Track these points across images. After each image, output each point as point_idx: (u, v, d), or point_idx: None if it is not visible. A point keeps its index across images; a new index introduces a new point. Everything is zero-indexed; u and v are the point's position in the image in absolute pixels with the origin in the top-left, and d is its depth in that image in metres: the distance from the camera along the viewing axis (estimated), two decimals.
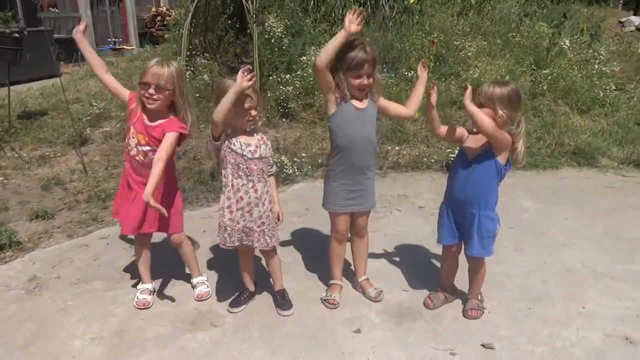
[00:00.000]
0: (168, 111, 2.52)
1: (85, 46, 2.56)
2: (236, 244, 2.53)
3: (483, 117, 2.30)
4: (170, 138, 2.45)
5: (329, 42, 2.41)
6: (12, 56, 5.48)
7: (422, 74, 2.62)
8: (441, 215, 2.66)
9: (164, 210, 2.32)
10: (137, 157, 2.53)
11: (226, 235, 2.51)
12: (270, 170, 2.57)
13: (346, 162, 2.57)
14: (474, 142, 2.48)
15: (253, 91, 2.39)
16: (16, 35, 5.44)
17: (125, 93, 2.59)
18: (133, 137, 2.53)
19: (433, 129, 2.59)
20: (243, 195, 2.45)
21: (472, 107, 2.31)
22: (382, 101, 2.62)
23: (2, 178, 4.51)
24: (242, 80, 2.25)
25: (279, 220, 2.60)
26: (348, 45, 2.43)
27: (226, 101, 2.26)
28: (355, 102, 2.51)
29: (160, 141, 2.47)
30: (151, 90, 2.42)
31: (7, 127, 5.52)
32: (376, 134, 2.63)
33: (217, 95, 2.39)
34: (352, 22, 2.33)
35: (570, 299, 2.82)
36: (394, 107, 2.67)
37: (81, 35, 2.55)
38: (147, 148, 2.51)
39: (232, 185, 2.44)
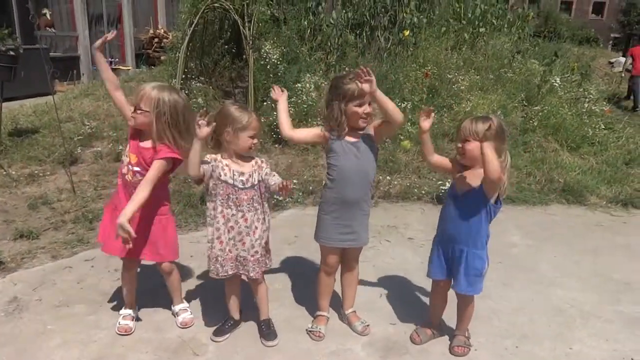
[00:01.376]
0: (157, 138, 2.48)
1: (102, 61, 2.59)
2: (230, 273, 2.49)
3: (496, 164, 2.25)
4: (157, 165, 2.41)
5: (278, 115, 2.56)
6: (6, 74, 5.48)
7: (376, 92, 2.40)
8: (432, 251, 2.65)
9: (133, 234, 2.28)
10: (127, 176, 2.52)
11: (218, 266, 2.47)
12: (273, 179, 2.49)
13: (340, 196, 2.55)
14: (464, 179, 2.47)
15: (257, 120, 2.42)
16: (11, 53, 5.45)
17: (130, 113, 2.57)
18: (126, 156, 2.54)
19: (424, 155, 2.58)
20: (233, 225, 2.44)
21: (490, 153, 2.24)
22: (377, 122, 2.59)
23: None
24: (199, 131, 2.28)
25: (286, 188, 2.37)
26: (342, 78, 2.48)
27: (192, 156, 2.30)
28: (348, 137, 2.51)
29: (147, 163, 2.46)
30: (134, 108, 2.45)
31: None
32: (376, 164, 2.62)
33: (220, 119, 2.39)
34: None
35: (558, 339, 2.80)
36: (382, 121, 2.59)
37: (99, 50, 2.58)
38: (137, 169, 2.50)
39: (223, 216, 2.43)
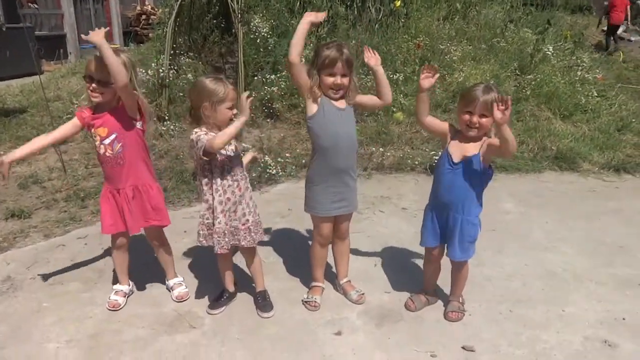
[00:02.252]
0: (116, 102, 2.46)
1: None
2: (224, 246, 2.48)
3: (514, 143, 2.28)
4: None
5: (295, 34, 2.42)
6: None
7: (377, 67, 2.49)
8: (425, 217, 2.64)
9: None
10: (107, 154, 2.48)
11: (220, 240, 2.46)
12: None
13: (331, 164, 2.53)
14: (461, 148, 2.44)
15: (233, 89, 2.38)
16: None
17: (74, 121, 2.50)
18: (96, 137, 2.48)
19: (418, 114, 2.52)
20: (230, 196, 2.43)
21: (510, 135, 2.24)
22: (360, 96, 2.60)
23: None
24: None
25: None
26: (324, 45, 2.47)
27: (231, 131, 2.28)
28: (335, 103, 2.50)
29: (118, 121, 2.43)
30: (94, 85, 2.37)
31: None
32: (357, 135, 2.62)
33: (196, 94, 2.37)
34: (317, 15, 2.40)
35: (551, 302, 2.83)
36: (369, 98, 2.65)
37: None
38: (112, 137, 2.45)
39: (220, 188, 2.42)
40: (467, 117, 2.36)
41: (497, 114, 2.19)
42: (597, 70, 7.19)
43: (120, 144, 2.47)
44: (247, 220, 2.49)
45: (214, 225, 2.45)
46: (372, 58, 2.51)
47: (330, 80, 2.43)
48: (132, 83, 2.40)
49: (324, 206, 2.60)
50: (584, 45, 8.09)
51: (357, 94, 2.57)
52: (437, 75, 2.43)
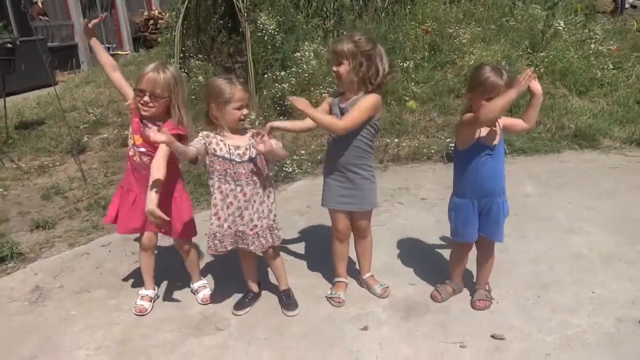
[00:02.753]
0: (164, 114, 2.48)
1: (96, 45, 2.56)
2: (229, 249, 2.48)
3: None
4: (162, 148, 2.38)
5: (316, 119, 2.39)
6: (6, 67, 5.46)
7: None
8: (463, 211, 2.51)
9: (166, 217, 2.31)
10: (134, 158, 2.53)
11: (216, 242, 2.46)
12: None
13: (332, 158, 2.56)
14: (492, 132, 2.39)
15: (242, 90, 2.33)
16: (9, 45, 5.41)
17: (130, 93, 2.53)
18: (130, 138, 2.52)
19: (528, 121, 2.42)
20: (232, 201, 2.41)
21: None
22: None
23: (1, 189, 4.48)
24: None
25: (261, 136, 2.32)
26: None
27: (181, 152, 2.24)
28: (340, 102, 2.50)
29: (153, 145, 2.43)
30: (146, 98, 2.38)
31: (4, 138, 5.50)
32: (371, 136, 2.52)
33: (205, 95, 2.36)
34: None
35: (580, 285, 2.78)
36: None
37: (90, 35, 2.53)
38: (142, 149, 2.48)
39: (221, 192, 2.40)
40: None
41: (537, 87, 2.24)
42: (611, 42, 7.00)
43: (147, 158, 2.47)
44: (255, 226, 2.45)
45: (211, 225, 2.46)
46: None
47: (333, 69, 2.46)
48: (177, 100, 2.44)
49: (333, 199, 2.61)
50: (595, 17, 7.89)
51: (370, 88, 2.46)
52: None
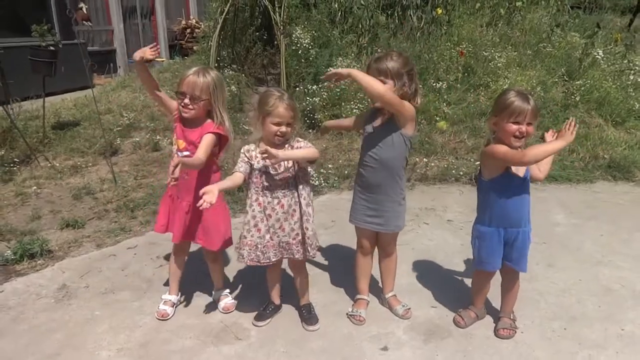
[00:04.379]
0: (205, 117, 2.54)
1: (142, 70, 2.52)
2: (273, 260, 2.48)
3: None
4: (207, 139, 2.45)
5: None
6: (48, 69, 5.64)
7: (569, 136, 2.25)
8: (489, 239, 2.47)
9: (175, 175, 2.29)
10: None
11: (259, 254, 2.46)
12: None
13: (362, 179, 2.56)
14: None
15: (286, 107, 2.33)
16: (52, 48, 5.59)
17: (174, 104, 2.60)
18: (174, 144, 2.57)
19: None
20: (271, 213, 2.43)
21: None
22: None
23: (35, 187, 4.61)
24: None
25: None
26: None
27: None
28: (373, 121, 2.50)
29: (195, 145, 2.48)
30: (186, 100, 2.44)
31: (41, 137, 5.66)
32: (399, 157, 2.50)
33: (260, 106, 2.37)
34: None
35: (609, 320, 2.70)
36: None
37: (141, 61, 2.50)
38: (186, 153, 2.51)
39: (259, 204, 2.42)
40: (514, 127, 2.28)
41: (569, 137, 2.23)
42: None
43: None
44: (298, 234, 2.47)
45: (245, 238, 2.47)
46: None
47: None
48: (217, 103, 2.50)
49: (359, 218, 2.62)
50: (636, 48, 7.75)
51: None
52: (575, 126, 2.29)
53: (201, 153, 2.41)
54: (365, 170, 2.53)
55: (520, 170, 2.37)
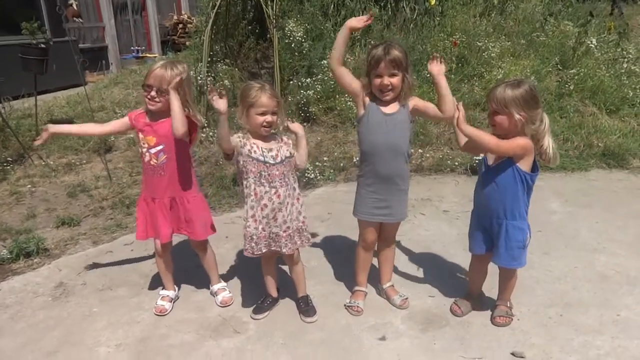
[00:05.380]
0: (169, 112, 2.51)
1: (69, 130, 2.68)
2: (264, 251, 2.49)
3: (482, 137, 2.27)
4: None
5: (335, 39, 2.41)
6: (39, 66, 5.59)
7: (439, 77, 2.36)
8: (471, 223, 2.59)
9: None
10: (152, 162, 2.56)
11: (253, 245, 2.47)
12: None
13: (373, 170, 2.51)
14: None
15: (269, 97, 2.35)
16: (42, 45, 5.54)
17: (124, 120, 2.61)
18: (144, 144, 2.55)
19: (459, 142, 2.52)
20: (267, 203, 2.42)
21: (468, 129, 2.27)
22: (420, 102, 2.47)
23: (30, 186, 4.59)
24: (216, 104, 2.25)
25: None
26: (373, 46, 2.43)
27: (220, 129, 2.29)
28: (383, 108, 2.44)
29: (169, 137, 2.49)
30: (153, 93, 2.45)
31: (34, 136, 5.61)
32: (409, 141, 2.52)
33: (242, 98, 2.39)
34: (358, 20, 2.35)
35: (604, 306, 2.72)
36: (428, 107, 2.47)
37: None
38: (159, 148, 2.52)
39: (255, 194, 2.42)
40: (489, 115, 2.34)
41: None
42: None
43: (165, 156, 2.54)
44: (289, 227, 2.48)
45: (245, 227, 2.47)
46: (436, 66, 2.38)
47: (377, 81, 2.38)
48: (184, 96, 2.49)
49: (367, 211, 2.58)
50: (629, 36, 7.76)
51: (410, 96, 2.46)
52: (462, 111, 2.35)
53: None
54: (379, 161, 2.48)
55: (489, 157, 2.41)
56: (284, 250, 2.51)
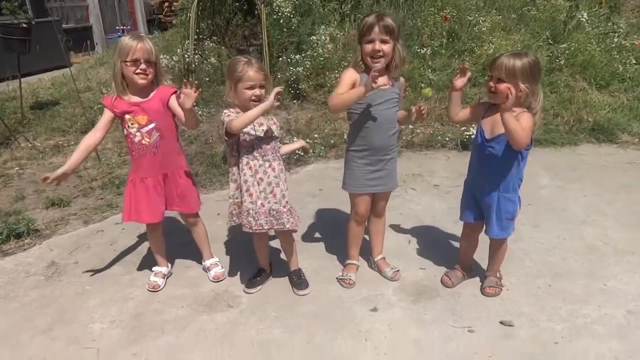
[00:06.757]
0: (151, 84, 2.51)
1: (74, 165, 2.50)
2: (265, 228, 2.47)
3: (521, 133, 2.17)
4: (175, 101, 2.46)
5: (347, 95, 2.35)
6: (21, 46, 5.49)
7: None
8: (463, 192, 2.61)
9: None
10: (143, 142, 2.52)
11: (251, 219, 2.45)
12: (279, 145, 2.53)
13: (366, 142, 2.51)
14: (493, 122, 2.36)
15: (256, 70, 2.33)
16: (24, 25, 5.43)
17: (107, 115, 2.54)
18: (132, 124, 2.50)
19: (450, 115, 2.49)
20: (262, 176, 2.42)
21: (513, 124, 2.16)
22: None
23: (17, 168, 4.55)
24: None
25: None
26: (366, 15, 2.43)
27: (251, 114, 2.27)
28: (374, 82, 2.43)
29: (161, 112, 2.48)
30: (143, 66, 2.42)
31: (20, 118, 5.56)
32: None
33: (229, 74, 2.37)
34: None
35: (591, 276, 2.76)
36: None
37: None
38: (151, 126, 2.50)
39: (250, 168, 2.41)
40: (490, 83, 2.30)
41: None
42: (635, 36, 6.87)
43: (158, 134, 2.52)
44: (287, 202, 2.47)
45: (242, 203, 2.46)
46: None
47: (369, 47, 2.35)
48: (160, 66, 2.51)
49: (360, 182, 2.58)
50: (620, 10, 7.74)
51: (400, 69, 2.45)
52: (469, 74, 2.39)
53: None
54: (371, 133, 2.48)
55: (486, 131, 2.40)
56: (287, 227, 2.49)
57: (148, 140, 2.52)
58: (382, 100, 2.45)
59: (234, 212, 2.52)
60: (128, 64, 2.41)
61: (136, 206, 2.62)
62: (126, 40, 2.42)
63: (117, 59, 2.43)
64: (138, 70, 2.42)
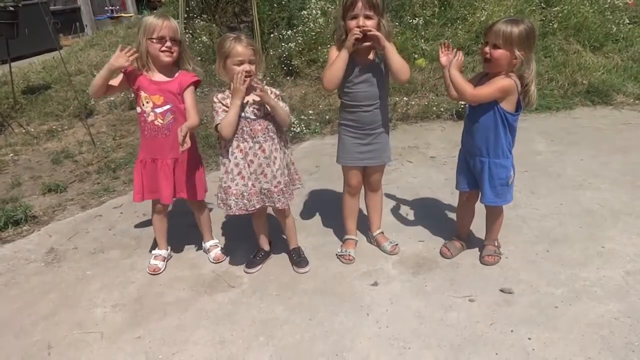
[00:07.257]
0: (174, 65, 2.50)
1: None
2: (257, 207, 2.48)
3: (463, 86, 2.27)
4: (192, 95, 2.49)
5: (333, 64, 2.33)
6: (9, 30, 5.40)
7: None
8: (458, 161, 2.63)
9: (188, 144, 2.33)
10: (156, 122, 2.50)
11: (245, 202, 2.45)
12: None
13: (354, 117, 2.51)
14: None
15: (244, 45, 2.29)
16: (11, 8, 5.33)
17: (123, 79, 2.52)
18: (147, 102, 2.48)
19: (449, 93, 2.45)
20: (252, 158, 2.40)
21: (456, 76, 2.28)
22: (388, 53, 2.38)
23: (12, 155, 4.52)
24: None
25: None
26: None
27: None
28: (358, 59, 2.40)
29: (176, 95, 2.47)
30: (168, 44, 2.41)
31: (12, 103, 5.50)
32: (388, 86, 2.54)
33: (218, 51, 2.34)
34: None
35: (589, 240, 2.78)
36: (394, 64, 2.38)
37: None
38: (166, 107, 2.48)
39: (240, 150, 2.39)
40: (485, 50, 2.27)
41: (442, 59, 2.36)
42: None
43: (172, 116, 2.49)
44: (279, 182, 2.46)
45: (230, 187, 2.45)
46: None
47: (353, 23, 2.30)
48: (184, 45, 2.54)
49: (351, 156, 2.59)
50: None
51: (387, 38, 2.36)
52: (455, 50, 2.37)
53: (195, 113, 2.45)
54: (359, 108, 2.48)
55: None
56: (277, 205, 2.50)
57: (161, 121, 2.50)
58: (364, 77, 2.43)
59: (220, 195, 2.51)
60: (154, 41, 2.40)
61: (150, 185, 2.61)
62: (151, 18, 2.43)
63: (142, 37, 2.42)
64: (164, 48, 2.41)
